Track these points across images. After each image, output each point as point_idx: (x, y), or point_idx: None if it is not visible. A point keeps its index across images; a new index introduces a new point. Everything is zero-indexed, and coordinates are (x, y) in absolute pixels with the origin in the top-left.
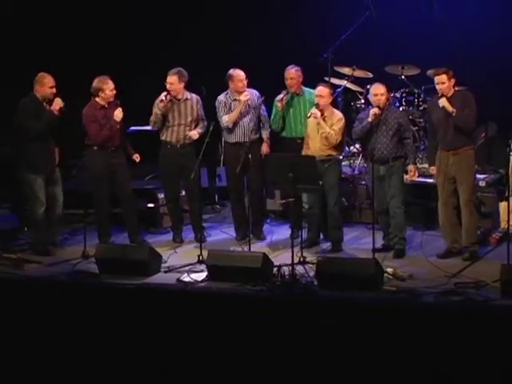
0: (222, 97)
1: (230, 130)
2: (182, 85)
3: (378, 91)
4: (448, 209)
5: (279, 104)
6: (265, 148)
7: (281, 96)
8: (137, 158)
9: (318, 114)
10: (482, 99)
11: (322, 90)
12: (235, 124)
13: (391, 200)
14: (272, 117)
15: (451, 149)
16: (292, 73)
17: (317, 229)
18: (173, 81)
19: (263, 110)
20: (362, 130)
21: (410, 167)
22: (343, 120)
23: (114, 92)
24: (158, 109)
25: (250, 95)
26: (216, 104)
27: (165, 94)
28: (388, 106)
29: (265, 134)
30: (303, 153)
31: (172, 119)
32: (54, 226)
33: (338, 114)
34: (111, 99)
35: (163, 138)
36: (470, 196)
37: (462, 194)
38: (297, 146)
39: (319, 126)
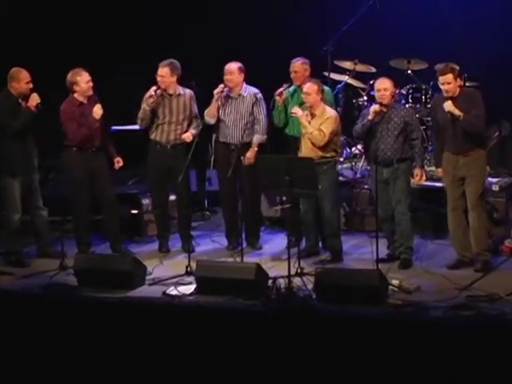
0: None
1: (220, 127)
2: (175, 78)
3: (381, 86)
4: (457, 214)
5: (278, 98)
6: (248, 154)
7: (280, 90)
8: (118, 162)
9: (299, 112)
10: (494, 96)
11: (309, 86)
12: (223, 123)
13: (396, 206)
14: (273, 111)
15: (461, 152)
16: (297, 66)
17: (315, 237)
18: (164, 73)
19: (260, 112)
20: (361, 128)
21: (417, 171)
22: (334, 118)
23: (91, 85)
24: (146, 104)
25: (247, 93)
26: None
27: (155, 88)
28: (393, 103)
29: (255, 139)
30: (299, 154)
31: (162, 116)
32: (44, 234)
33: (329, 113)
34: (89, 93)
35: (152, 137)
36: (477, 198)
37: (469, 195)
38: (300, 144)
39: (300, 124)
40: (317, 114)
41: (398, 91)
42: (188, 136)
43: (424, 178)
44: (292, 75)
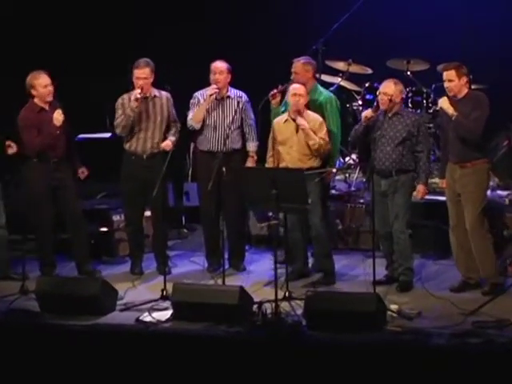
0: (199, 93)
1: (202, 134)
2: (152, 79)
3: (382, 89)
4: (459, 232)
5: (272, 100)
6: (249, 163)
7: (274, 91)
8: (83, 172)
9: (306, 124)
10: (503, 101)
11: (299, 87)
12: (207, 126)
13: (394, 222)
14: (271, 115)
15: (458, 161)
16: (298, 66)
17: (303, 257)
18: (146, 74)
19: (249, 117)
20: (354, 132)
21: (419, 187)
22: (324, 123)
23: (50, 89)
24: (130, 110)
25: (232, 94)
26: (191, 101)
27: (139, 91)
28: (401, 109)
29: (251, 146)
30: (266, 166)
31: (138, 123)
32: (4, 254)
33: (317, 117)
34: (48, 99)
35: (127, 147)
36: (476, 218)
37: (466, 216)
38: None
39: (306, 135)
40: (305, 118)
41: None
42: (167, 144)
43: (425, 195)
44: (292, 76)
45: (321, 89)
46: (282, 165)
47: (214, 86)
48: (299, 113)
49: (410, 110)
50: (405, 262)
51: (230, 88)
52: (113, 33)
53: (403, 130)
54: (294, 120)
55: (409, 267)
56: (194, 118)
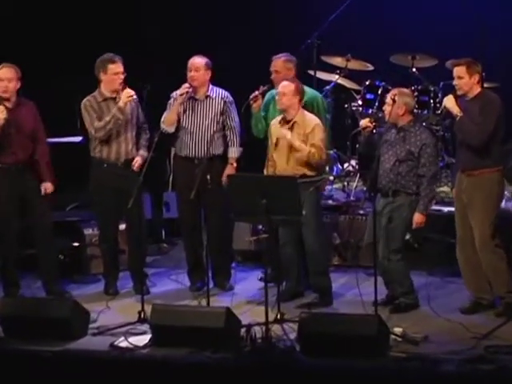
0: (174, 93)
1: (180, 138)
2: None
3: (388, 98)
4: (466, 246)
5: (253, 103)
6: (227, 170)
7: (256, 93)
8: (46, 189)
9: (288, 134)
10: None
11: (284, 85)
12: (184, 130)
13: (386, 246)
14: (251, 120)
15: (464, 168)
16: (278, 64)
17: (296, 275)
18: (122, 69)
19: (232, 119)
20: (360, 143)
21: (415, 216)
22: (321, 125)
23: (12, 85)
24: (120, 112)
25: (213, 93)
26: (169, 102)
27: (132, 91)
28: (406, 124)
29: (232, 152)
30: (265, 172)
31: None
32: None
33: (314, 120)
34: (6, 95)
35: (96, 154)
36: (484, 233)
37: (474, 230)
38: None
39: (294, 147)
40: (297, 121)
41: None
42: (137, 165)
43: (422, 225)
44: (272, 76)
45: (305, 87)
46: (278, 172)
47: (185, 85)
48: (286, 112)
49: (422, 125)
50: (399, 287)
51: (211, 87)
52: (88, 29)
53: (403, 149)
54: (285, 121)
55: (404, 291)
56: (165, 120)
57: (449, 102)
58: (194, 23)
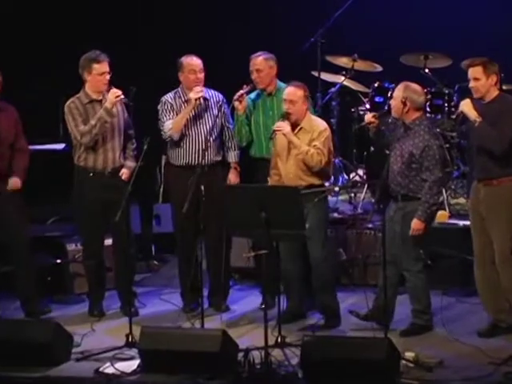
0: (168, 97)
1: (177, 145)
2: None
3: (394, 92)
4: (484, 263)
5: (237, 105)
6: (233, 177)
7: (241, 92)
8: (15, 182)
9: (287, 127)
10: None
11: (292, 91)
12: (184, 136)
13: (400, 257)
14: (232, 125)
15: (482, 177)
16: (259, 62)
17: (299, 294)
18: (109, 68)
19: (229, 121)
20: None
21: (413, 222)
22: (328, 132)
23: None
24: (107, 114)
25: (208, 95)
26: (159, 107)
27: (119, 91)
28: (412, 122)
29: (232, 157)
30: (269, 182)
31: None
32: None
33: (320, 124)
34: None
35: (81, 162)
36: (505, 249)
37: (493, 244)
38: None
39: (291, 144)
40: (304, 127)
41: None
42: (126, 174)
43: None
44: (253, 76)
45: (284, 85)
46: (282, 181)
47: (199, 88)
48: (295, 120)
49: (429, 123)
50: (415, 304)
51: (205, 88)
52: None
53: (407, 150)
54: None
55: (420, 309)
56: (174, 127)
57: (466, 106)
58: (183, 21)
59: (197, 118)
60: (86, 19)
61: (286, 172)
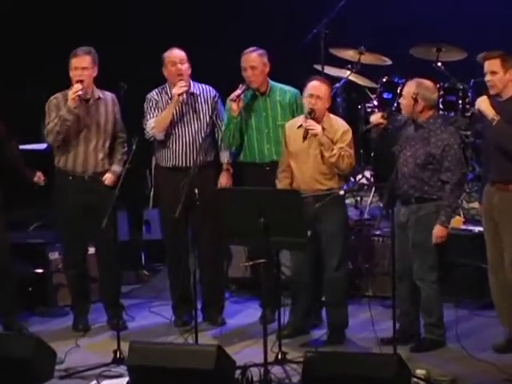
0: (153, 93)
1: (163, 145)
2: (95, 73)
3: (404, 90)
4: (500, 273)
5: (234, 106)
6: (224, 179)
7: (238, 92)
8: (39, 178)
9: (319, 126)
10: None
11: (318, 86)
12: (171, 136)
13: (414, 265)
14: (223, 127)
15: (497, 180)
16: (254, 58)
17: (304, 308)
18: (87, 64)
19: (222, 119)
20: (373, 142)
21: (436, 228)
22: (351, 132)
23: None
24: (68, 112)
25: (199, 90)
26: (145, 105)
27: (79, 86)
28: (433, 120)
29: (225, 157)
30: (278, 185)
31: (76, 132)
32: None
33: (342, 124)
34: None
35: (61, 164)
36: None
37: (506, 252)
38: (264, 176)
39: (322, 145)
40: (325, 127)
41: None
42: (110, 179)
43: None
44: (246, 73)
45: (279, 85)
46: (293, 184)
47: (182, 83)
48: (318, 118)
49: (443, 122)
50: (427, 317)
51: (192, 82)
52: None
53: (423, 150)
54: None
55: (433, 323)
56: (156, 126)
57: (482, 103)
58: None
59: (184, 115)
60: (74, 15)
61: (303, 176)
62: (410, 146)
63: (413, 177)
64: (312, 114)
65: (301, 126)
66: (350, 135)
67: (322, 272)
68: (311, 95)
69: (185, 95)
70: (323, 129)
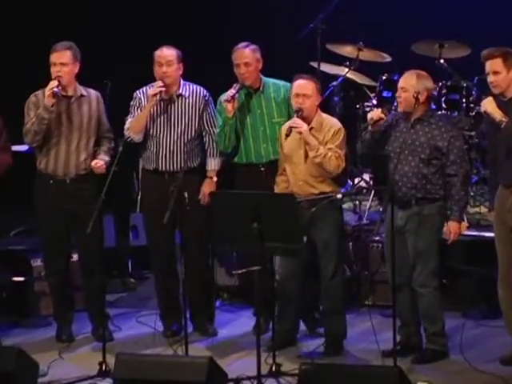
0: (140, 91)
1: (146, 148)
2: (76, 69)
3: (400, 83)
4: (509, 285)
5: (229, 107)
6: (206, 187)
7: (232, 91)
8: (96, 164)
9: (305, 125)
10: None
11: (304, 85)
12: (152, 138)
13: (415, 271)
14: (217, 129)
15: (510, 184)
16: (247, 54)
17: (292, 318)
18: (66, 59)
19: (211, 123)
20: (361, 141)
21: (451, 224)
22: (343, 132)
23: None
24: (45, 110)
25: (188, 91)
26: (131, 103)
27: (55, 82)
28: (429, 113)
29: (212, 164)
30: (275, 189)
31: (56, 132)
32: None
33: (334, 123)
34: None
35: (42, 166)
36: None
37: None
38: (259, 177)
39: (307, 145)
40: (314, 126)
41: (435, 92)
42: (99, 165)
43: (458, 236)
44: (240, 70)
45: (272, 80)
46: (290, 188)
47: (158, 83)
48: (304, 118)
49: (441, 114)
50: (430, 326)
51: (182, 83)
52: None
53: (427, 144)
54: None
55: (436, 332)
56: (131, 126)
57: (489, 105)
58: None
59: (171, 117)
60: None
61: (296, 179)
62: (410, 143)
63: (415, 174)
64: (300, 113)
65: (290, 129)
66: (341, 135)
67: (316, 279)
68: (297, 94)
69: (160, 96)
70: (311, 128)
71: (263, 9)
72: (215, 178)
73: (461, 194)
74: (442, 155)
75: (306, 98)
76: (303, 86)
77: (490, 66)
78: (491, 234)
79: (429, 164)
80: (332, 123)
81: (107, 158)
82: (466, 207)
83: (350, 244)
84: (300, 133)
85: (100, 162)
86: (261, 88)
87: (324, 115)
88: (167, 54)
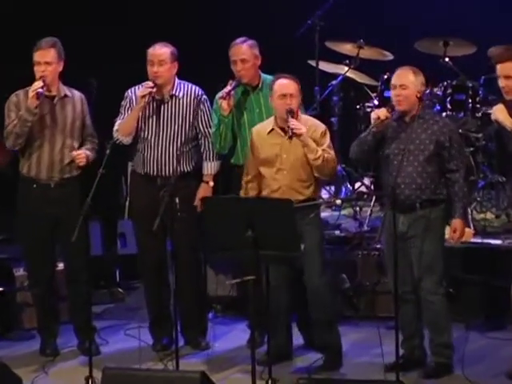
0: (132, 91)
1: (137, 150)
2: (60, 67)
3: (397, 80)
4: None
5: (224, 104)
6: (202, 192)
7: (228, 88)
8: (79, 156)
9: (303, 127)
10: None
11: (288, 84)
12: (144, 140)
13: (421, 279)
14: (213, 129)
15: None
16: (244, 50)
17: (285, 331)
18: (51, 58)
19: (206, 124)
20: (360, 143)
21: (455, 223)
22: (328, 132)
23: None
24: (27, 112)
25: (182, 91)
26: (122, 103)
27: (40, 83)
28: (423, 110)
29: (208, 168)
30: (242, 194)
31: (39, 135)
32: None
33: (318, 124)
34: None
35: (24, 170)
36: None
37: None
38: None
39: (306, 147)
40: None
41: (428, 91)
42: (80, 155)
43: (466, 235)
44: (236, 67)
45: (270, 77)
46: (264, 194)
47: (148, 84)
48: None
49: (434, 112)
50: (437, 337)
51: (177, 82)
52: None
53: (429, 140)
54: (284, 130)
55: (443, 343)
56: (120, 128)
57: (500, 113)
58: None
59: (164, 119)
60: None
61: (279, 184)
62: (410, 141)
63: (420, 174)
64: (292, 114)
65: (272, 130)
66: (328, 135)
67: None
68: (284, 95)
69: (149, 97)
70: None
71: (261, 6)
72: (211, 183)
73: (464, 190)
74: (443, 150)
75: (292, 98)
76: (288, 85)
77: (501, 69)
78: (497, 241)
79: (431, 163)
80: (316, 124)
81: (89, 153)
82: (469, 205)
83: (351, 252)
84: (300, 135)
85: (81, 153)
86: (259, 85)
87: (304, 116)
88: (159, 52)
